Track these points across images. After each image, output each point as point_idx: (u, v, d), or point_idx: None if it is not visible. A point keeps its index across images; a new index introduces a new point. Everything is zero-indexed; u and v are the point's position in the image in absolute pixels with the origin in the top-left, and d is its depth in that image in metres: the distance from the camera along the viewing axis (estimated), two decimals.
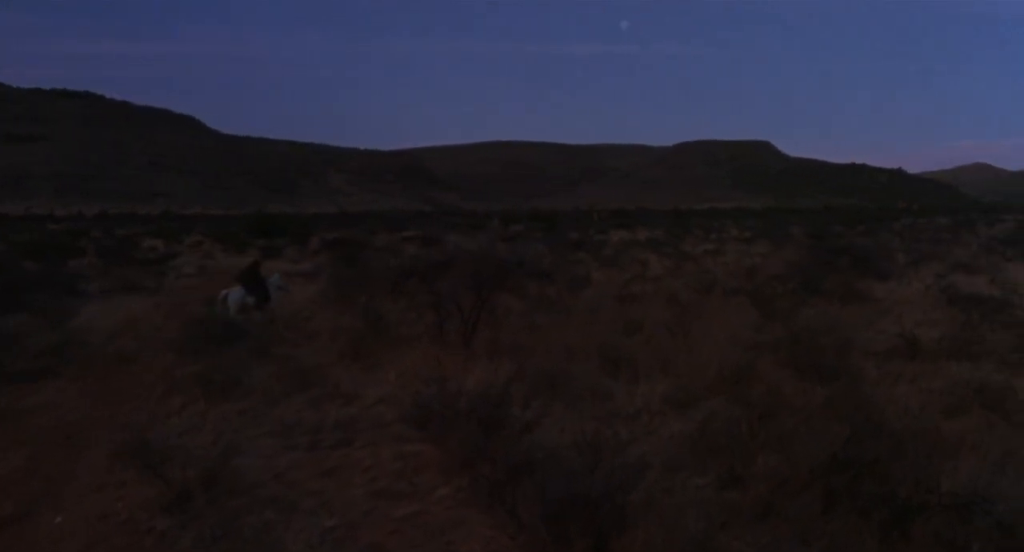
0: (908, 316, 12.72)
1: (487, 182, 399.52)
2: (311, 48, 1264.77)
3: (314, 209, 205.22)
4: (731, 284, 15.73)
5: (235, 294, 14.41)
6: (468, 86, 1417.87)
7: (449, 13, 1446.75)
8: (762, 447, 6.17)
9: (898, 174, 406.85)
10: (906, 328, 10.83)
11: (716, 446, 6.20)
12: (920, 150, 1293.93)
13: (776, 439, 6.28)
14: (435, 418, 6.19)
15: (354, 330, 11.35)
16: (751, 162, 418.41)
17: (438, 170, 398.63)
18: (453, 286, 10.30)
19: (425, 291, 10.81)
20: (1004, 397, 7.06)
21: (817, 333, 10.53)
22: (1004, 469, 5.51)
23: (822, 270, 18.84)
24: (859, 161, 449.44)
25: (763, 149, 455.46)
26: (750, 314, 12.21)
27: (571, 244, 32.27)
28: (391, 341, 10.85)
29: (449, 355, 9.91)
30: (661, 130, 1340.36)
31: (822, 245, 29.61)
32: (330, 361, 10.29)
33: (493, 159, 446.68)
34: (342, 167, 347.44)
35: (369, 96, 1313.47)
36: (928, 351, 9.79)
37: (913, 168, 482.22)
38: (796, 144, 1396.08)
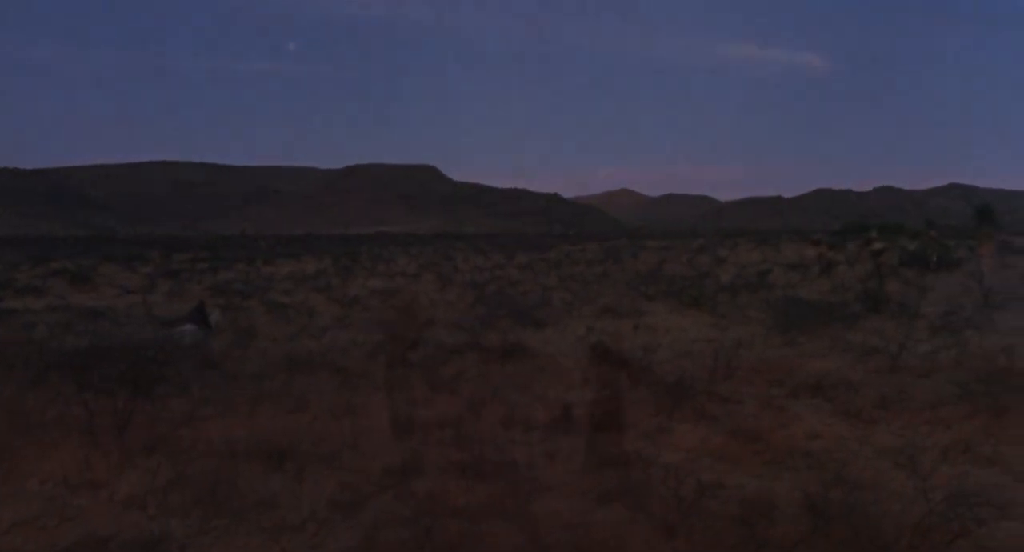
0: (564, 376, 13.37)
1: (150, 204, 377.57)
2: None
3: None
4: (400, 343, 15.79)
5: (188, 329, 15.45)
6: (126, 102, 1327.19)
7: (99, 20, 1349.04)
8: None
9: (555, 199, 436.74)
10: (560, 394, 11.39)
11: None
12: (573, 176, 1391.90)
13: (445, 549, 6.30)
14: None
15: None
16: (418, 186, 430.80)
17: (94, 191, 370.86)
18: (104, 380, 9.37)
19: (72, 383, 9.75)
20: (645, 482, 7.52)
21: (480, 405, 10.81)
22: None
23: (485, 318, 19.57)
24: (520, 186, 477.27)
25: (429, 173, 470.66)
26: (413, 387, 12.25)
27: (238, 288, 31.03)
28: (34, 436, 9.62)
29: (100, 453, 8.96)
30: (330, 153, 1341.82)
31: (486, 283, 30.93)
32: None
33: (157, 180, 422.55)
34: None
35: (5, 108, 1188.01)
36: (581, 420, 10.28)
37: (567, 193, 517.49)
38: (460, 169, 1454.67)
